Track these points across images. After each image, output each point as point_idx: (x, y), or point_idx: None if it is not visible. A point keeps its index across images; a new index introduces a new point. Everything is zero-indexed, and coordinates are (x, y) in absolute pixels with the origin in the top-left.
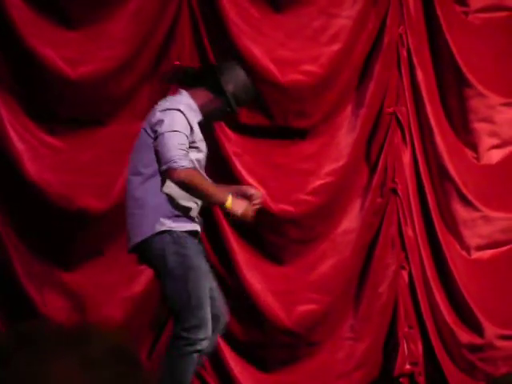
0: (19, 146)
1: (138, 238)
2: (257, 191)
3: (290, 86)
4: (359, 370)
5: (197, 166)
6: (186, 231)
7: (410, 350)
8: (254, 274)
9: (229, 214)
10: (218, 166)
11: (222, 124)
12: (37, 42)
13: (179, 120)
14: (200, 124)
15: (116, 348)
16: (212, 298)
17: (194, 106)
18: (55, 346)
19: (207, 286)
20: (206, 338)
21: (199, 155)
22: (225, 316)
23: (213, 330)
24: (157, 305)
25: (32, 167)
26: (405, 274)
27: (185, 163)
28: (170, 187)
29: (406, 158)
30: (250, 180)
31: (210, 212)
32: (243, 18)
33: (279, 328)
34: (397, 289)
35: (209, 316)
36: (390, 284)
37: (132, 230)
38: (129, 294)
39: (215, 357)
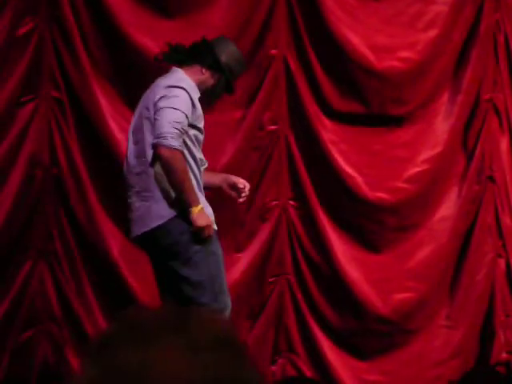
0: (119, 135)
1: (154, 223)
2: (246, 184)
3: (386, 73)
4: (455, 359)
5: (193, 141)
6: None
7: (506, 339)
8: (350, 262)
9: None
10: (314, 154)
11: (318, 112)
12: (135, 31)
13: (182, 98)
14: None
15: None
16: None
17: (192, 83)
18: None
19: (224, 271)
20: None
21: (198, 132)
22: None
23: None
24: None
25: None
26: (502, 262)
27: (174, 143)
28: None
29: (504, 145)
30: (347, 168)
31: (306, 200)
32: (340, 5)
33: (375, 316)
34: (494, 277)
35: (229, 300)
36: (487, 272)
37: (144, 216)
38: (227, 281)
39: (310, 345)
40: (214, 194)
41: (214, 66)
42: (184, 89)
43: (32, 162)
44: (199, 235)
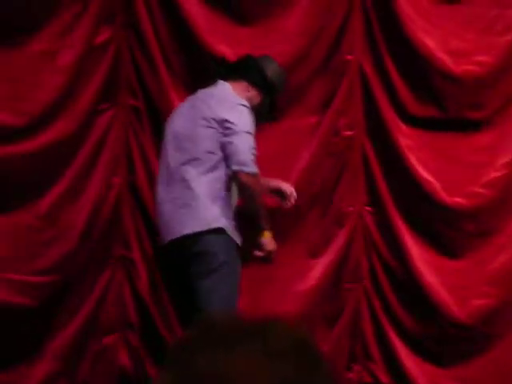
0: None
1: (187, 230)
2: (291, 189)
3: (463, 77)
4: None
5: None
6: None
7: None
8: (427, 267)
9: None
10: (390, 160)
11: (395, 117)
12: (212, 38)
13: (250, 119)
14: None
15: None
16: None
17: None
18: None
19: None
20: None
21: None
22: None
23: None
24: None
25: None
26: None
27: (255, 170)
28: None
29: None
30: (423, 173)
31: (382, 205)
32: (415, 10)
33: (453, 322)
34: None
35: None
36: None
37: (181, 221)
38: (302, 288)
39: (386, 351)
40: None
41: (260, 83)
42: (248, 108)
43: (110, 170)
44: (266, 258)
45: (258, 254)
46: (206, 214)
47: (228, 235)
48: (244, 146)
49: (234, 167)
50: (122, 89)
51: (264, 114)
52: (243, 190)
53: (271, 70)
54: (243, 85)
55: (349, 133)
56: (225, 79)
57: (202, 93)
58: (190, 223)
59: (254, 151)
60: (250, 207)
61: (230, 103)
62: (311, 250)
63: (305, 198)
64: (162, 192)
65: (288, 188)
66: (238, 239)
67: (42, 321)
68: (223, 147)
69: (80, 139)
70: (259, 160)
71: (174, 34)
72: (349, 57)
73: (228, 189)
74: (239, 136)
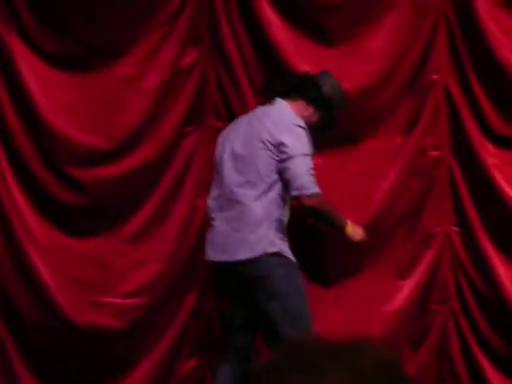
0: None
1: (241, 256)
2: None
3: None
4: None
5: None
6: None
7: None
8: None
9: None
10: (477, 179)
11: (481, 136)
12: (297, 60)
13: (306, 140)
14: None
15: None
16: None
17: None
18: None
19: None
20: None
21: None
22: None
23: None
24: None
25: None
26: None
27: (316, 190)
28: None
29: None
30: (511, 192)
31: (469, 226)
32: (501, 28)
33: None
34: None
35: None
36: None
37: (235, 246)
38: (389, 309)
39: (474, 372)
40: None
41: (318, 101)
42: (304, 129)
43: (195, 192)
44: (359, 247)
45: (351, 248)
46: (262, 240)
47: (284, 256)
48: (301, 169)
49: (295, 192)
50: (207, 111)
51: (322, 130)
52: (310, 212)
53: (328, 86)
54: (301, 103)
55: (435, 152)
56: (284, 97)
57: (259, 110)
58: (245, 249)
59: (311, 172)
60: (325, 224)
61: (285, 124)
62: (398, 270)
63: (391, 219)
64: (215, 208)
65: None
66: (292, 258)
67: (129, 343)
68: (281, 172)
69: (165, 162)
70: (344, 181)
71: (258, 55)
72: (434, 76)
73: (281, 208)
74: (295, 160)
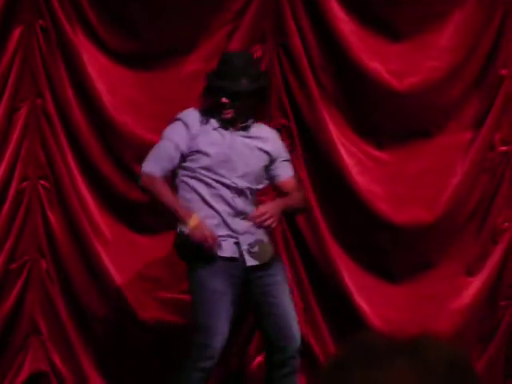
0: (348, 160)
1: None
2: (260, 211)
3: None
4: None
5: (203, 174)
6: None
7: None
8: None
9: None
10: None
11: None
12: (364, 55)
13: (174, 127)
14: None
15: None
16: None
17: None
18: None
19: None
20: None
21: (207, 160)
22: (290, 339)
23: (274, 350)
24: None
25: (360, 180)
26: None
27: (149, 168)
28: None
29: None
30: None
31: None
32: None
33: None
34: None
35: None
36: None
37: None
38: (457, 306)
39: None
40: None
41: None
42: (179, 119)
43: None
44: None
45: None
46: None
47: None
48: (152, 151)
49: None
50: (274, 109)
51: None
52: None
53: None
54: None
55: (504, 148)
56: None
57: None
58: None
59: (158, 154)
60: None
61: None
62: (467, 267)
63: (461, 215)
64: None
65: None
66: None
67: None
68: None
69: None
70: (413, 176)
71: (324, 52)
72: (503, 71)
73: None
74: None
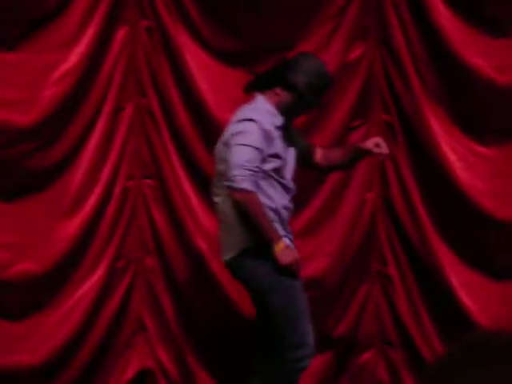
0: (451, 156)
1: (225, 256)
2: (375, 141)
3: None
4: None
5: (274, 172)
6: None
7: None
8: None
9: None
10: None
11: None
12: (467, 51)
13: (252, 132)
14: (283, 126)
15: None
16: None
17: (272, 109)
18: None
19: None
20: (309, 355)
21: (277, 163)
22: None
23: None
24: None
25: (464, 176)
26: None
27: (245, 185)
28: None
29: None
30: None
31: None
32: None
33: None
34: None
35: (309, 337)
36: None
37: (221, 245)
38: None
39: None
40: None
41: (284, 84)
42: (253, 120)
43: (364, 186)
44: (287, 271)
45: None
46: (233, 238)
47: (255, 253)
48: (235, 160)
49: (226, 183)
50: (376, 105)
51: (298, 111)
52: (239, 207)
53: (299, 67)
54: (271, 91)
55: None
56: (263, 90)
57: (236, 113)
58: (224, 250)
59: (248, 165)
60: (251, 224)
61: (236, 121)
62: None
63: None
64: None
65: (370, 142)
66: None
67: None
68: None
69: None
70: None
71: (427, 48)
72: None
73: None
74: (232, 149)
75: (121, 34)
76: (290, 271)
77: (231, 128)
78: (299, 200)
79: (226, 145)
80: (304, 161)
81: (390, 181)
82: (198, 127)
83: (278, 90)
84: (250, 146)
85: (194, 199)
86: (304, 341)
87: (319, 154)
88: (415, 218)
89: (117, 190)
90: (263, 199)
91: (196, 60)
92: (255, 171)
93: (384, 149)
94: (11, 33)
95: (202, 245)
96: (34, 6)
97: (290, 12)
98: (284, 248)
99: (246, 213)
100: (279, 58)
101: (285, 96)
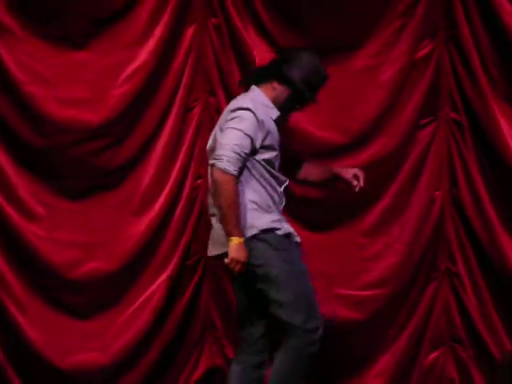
0: None
1: (224, 248)
2: (354, 172)
3: None
4: None
5: (266, 163)
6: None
7: None
8: None
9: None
10: None
11: None
12: None
13: (247, 119)
14: (278, 119)
15: None
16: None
17: (267, 101)
18: None
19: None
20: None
21: (271, 154)
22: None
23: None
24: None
25: None
26: None
27: (228, 166)
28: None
29: None
30: None
31: None
32: None
33: None
34: None
35: (320, 320)
36: None
37: (215, 237)
38: None
39: None
40: None
41: (281, 78)
42: (249, 109)
43: (432, 184)
44: (229, 267)
45: (225, 261)
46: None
47: (269, 237)
48: (226, 140)
49: (211, 161)
50: (444, 103)
51: (293, 106)
52: (214, 189)
53: (290, 61)
54: (269, 85)
55: None
56: (258, 84)
57: (233, 100)
58: (223, 239)
59: (237, 149)
60: (217, 205)
61: (233, 109)
62: None
63: None
64: (210, 204)
65: (350, 173)
66: (284, 232)
67: (370, 334)
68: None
69: (402, 154)
70: None
71: (494, 45)
72: None
73: (253, 189)
74: (224, 132)
75: (189, 33)
76: (233, 267)
77: (228, 116)
78: (368, 196)
79: (222, 131)
80: (285, 166)
81: (458, 178)
82: None
83: (274, 84)
84: (241, 131)
85: None
86: (312, 314)
87: (301, 166)
88: (483, 216)
89: (186, 190)
90: (248, 191)
91: (263, 57)
92: (242, 157)
93: (361, 182)
94: (80, 32)
95: None
96: (102, 5)
97: (357, 10)
98: (240, 245)
99: (217, 193)
100: (345, 55)
101: (281, 90)
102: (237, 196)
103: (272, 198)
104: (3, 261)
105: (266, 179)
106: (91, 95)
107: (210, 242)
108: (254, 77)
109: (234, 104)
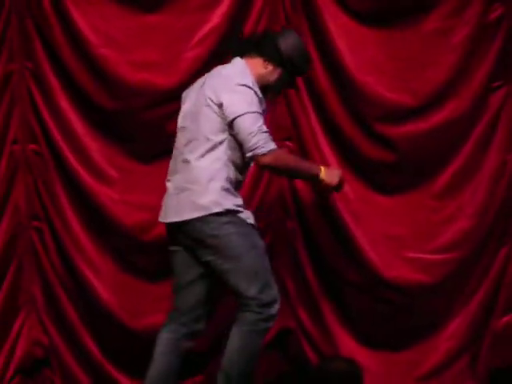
0: None
1: (185, 216)
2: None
3: None
4: None
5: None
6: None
7: None
8: None
9: (321, 189)
10: None
11: None
12: None
13: (252, 99)
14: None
15: None
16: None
17: (252, 79)
18: None
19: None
20: (276, 314)
21: None
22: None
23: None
24: None
25: None
26: None
27: (270, 147)
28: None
29: None
30: None
31: None
32: None
33: None
34: None
35: (277, 293)
36: None
37: (180, 206)
38: None
39: None
40: None
41: (277, 59)
42: (250, 87)
43: (504, 147)
44: (336, 190)
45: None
46: (206, 200)
47: (232, 215)
48: (250, 129)
49: (249, 154)
50: None
51: (281, 89)
52: (269, 171)
53: (288, 43)
54: (258, 61)
55: None
56: (242, 56)
57: (215, 69)
58: (190, 209)
59: (261, 128)
60: (295, 178)
61: (229, 84)
62: None
63: None
64: (171, 170)
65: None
66: (246, 216)
67: (441, 299)
68: (234, 135)
69: (474, 118)
70: None
71: None
72: None
73: (228, 167)
74: (241, 120)
75: None
76: (339, 188)
77: (225, 88)
78: (439, 160)
79: (220, 109)
80: None
81: None
82: (336, 88)
83: (265, 62)
84: (256, 112)
85: (333, 161)
86: (268, 285)
87: None
88: None
89: None
90: (228, 169)
91: (334, 20)
92: (269, 132)
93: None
94: None
95: (341, 206)
96: None
97: None
98: (328, 171)
99: (281, 170)
100: (417, 17)
101: (271, 70)
102: (291, 156)
103: (240, 183)
104: (78, 224)
105: (234, 158)
106: (163, 59)
107: (166, 209)
108: (241, 47)
109: (228, 74)
